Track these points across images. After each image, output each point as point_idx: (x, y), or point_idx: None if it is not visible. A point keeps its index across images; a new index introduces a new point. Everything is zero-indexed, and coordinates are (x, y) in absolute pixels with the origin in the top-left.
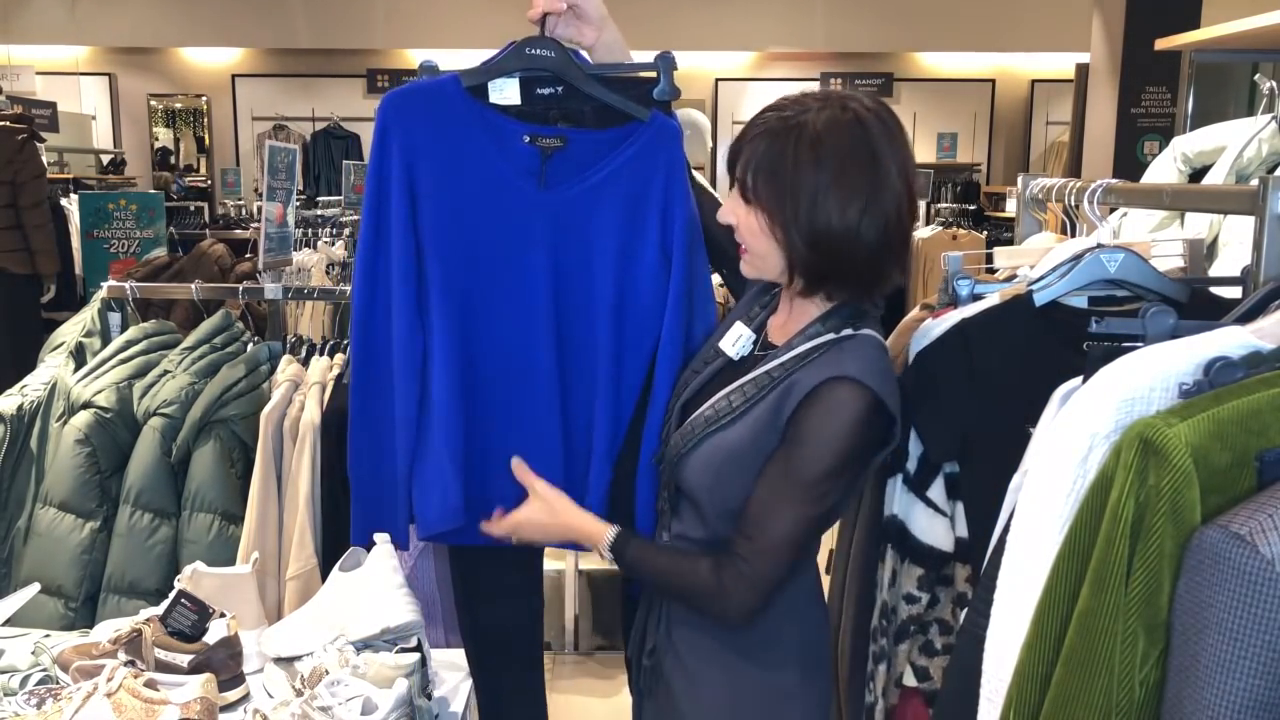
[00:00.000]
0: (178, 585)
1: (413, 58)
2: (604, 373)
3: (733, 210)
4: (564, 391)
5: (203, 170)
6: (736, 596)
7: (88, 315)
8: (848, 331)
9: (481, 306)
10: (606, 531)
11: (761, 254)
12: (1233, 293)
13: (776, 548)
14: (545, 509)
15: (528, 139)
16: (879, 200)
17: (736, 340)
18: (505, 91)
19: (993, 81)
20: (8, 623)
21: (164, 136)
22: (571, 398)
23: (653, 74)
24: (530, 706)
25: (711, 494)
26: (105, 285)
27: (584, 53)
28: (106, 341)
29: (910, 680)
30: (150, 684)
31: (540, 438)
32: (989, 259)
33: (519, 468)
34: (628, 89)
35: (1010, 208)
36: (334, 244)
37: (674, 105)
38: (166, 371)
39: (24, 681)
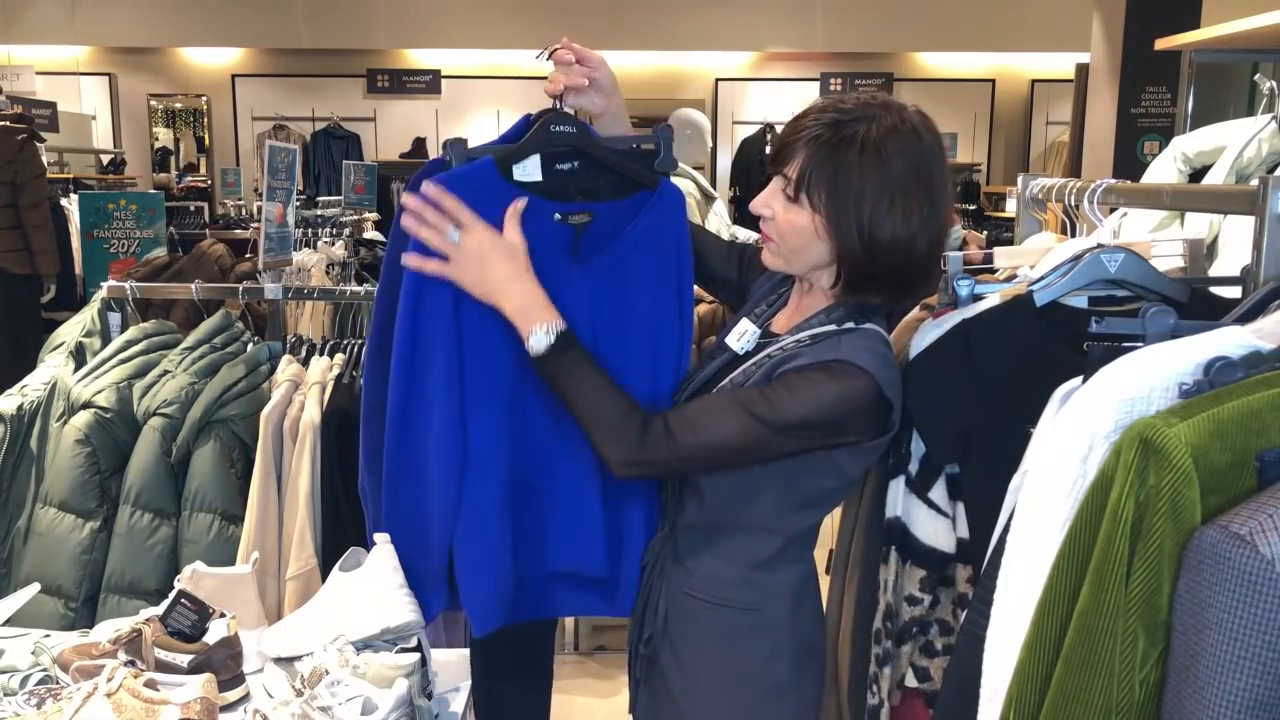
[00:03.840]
0: (178, 585)
1: (413, 58)
2: None
3: (770, 203)
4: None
5: (203, 170)
6: (639, 451)
7: (88, 315)
8: (850, 325)
9: (526, 387)
10: (550, 323)
11: (797, 249)
12: (1233, 293)
13: (704, 444)
14: (497, 253)
15: (558, 217)
16: (936, 212)
17: (742, 335)
18: (528, 170)
19: (993, 81)
20: (8, 623)
21: (164, 136)
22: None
23: (652, 146)
24: (534, 713)
25: (713, 479)
26: (105, 285)
27: (588, 120)
28: (106, 341)
29: (911, 681)
30: (150, 684)
31: (581, 514)
32: (989, 259)
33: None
34: (633, 160)
35: (1010, 208)
36: (334, 244)
37: (673, 106)
38: (166, 371)
39: (24, 681)
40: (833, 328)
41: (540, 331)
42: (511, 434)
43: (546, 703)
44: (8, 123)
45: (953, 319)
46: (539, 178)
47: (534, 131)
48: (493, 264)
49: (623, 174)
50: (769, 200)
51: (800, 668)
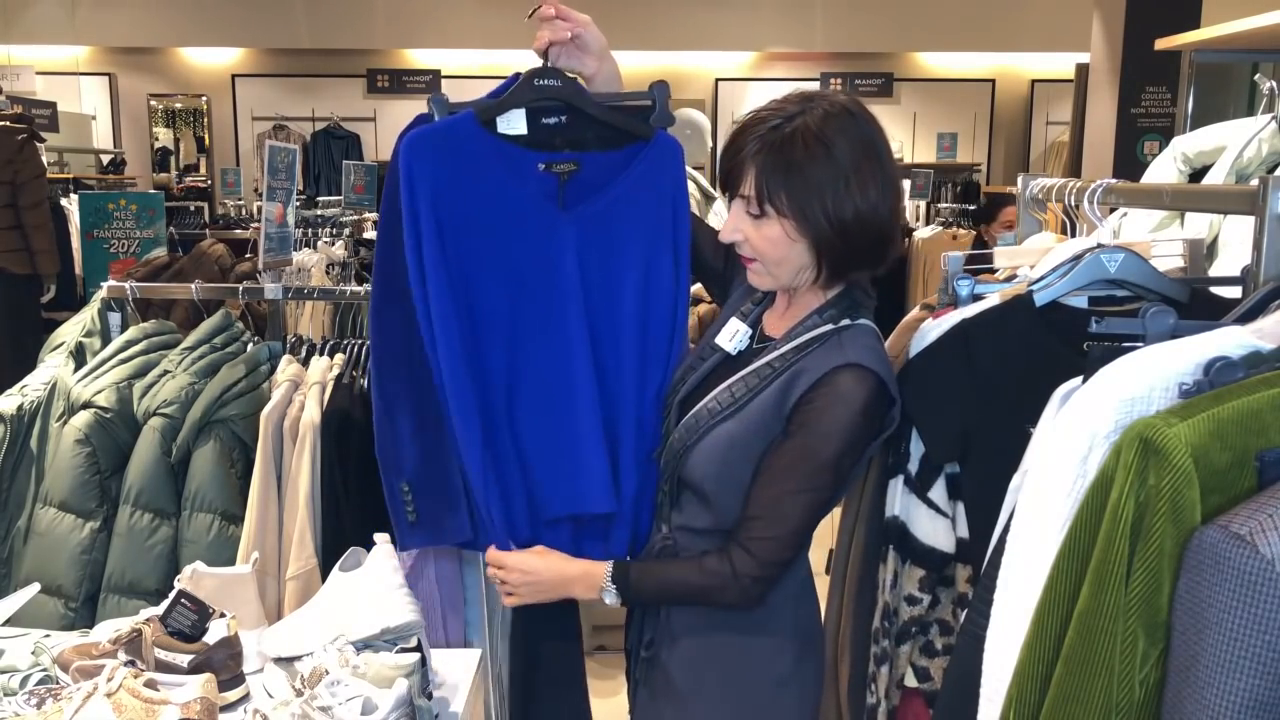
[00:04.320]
0: (178, 585)
1: (413, 58)
2: (630, 377)
3: (737, 228)
4: (604, 401)
5: (203, 170)
6: (750, 582)
7: (88, 315)
8: (845, 322)
9: (520, 329)
10: (604, 566)
11: (779, 260)
12: (1233, 293)
13: (793, 532)
14: (537, 560)
15: (543, 167)
16: (889, 177)
17: (733, 336)
18: (513, 123)
19: (993, 81)
20: (8, 623)
21: (164, 136)
22: (609, 405)
23: (648, 101)
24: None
25: (719, 482)
26: (105, 285)
27: (582, 82)
28: (106, 341)
29: (911, 681)
30: (150, 684)
31: (585, 446)
32: (989, 259)
33: (493, 555)
34: (625, 113)
35: None
36: (334, 244)
37: (673, 106)
38: (166, 371)
39: (24, 681)
40: (830, 327)
41: (606, 579)
42: (511, 356)
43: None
44: (8, 123)
45: (953, 319)
46: (524, 130)
47: (518, 86)
48: (534, 578)
49: (613, 126)
50: (736, 225)
51: (802, 661)
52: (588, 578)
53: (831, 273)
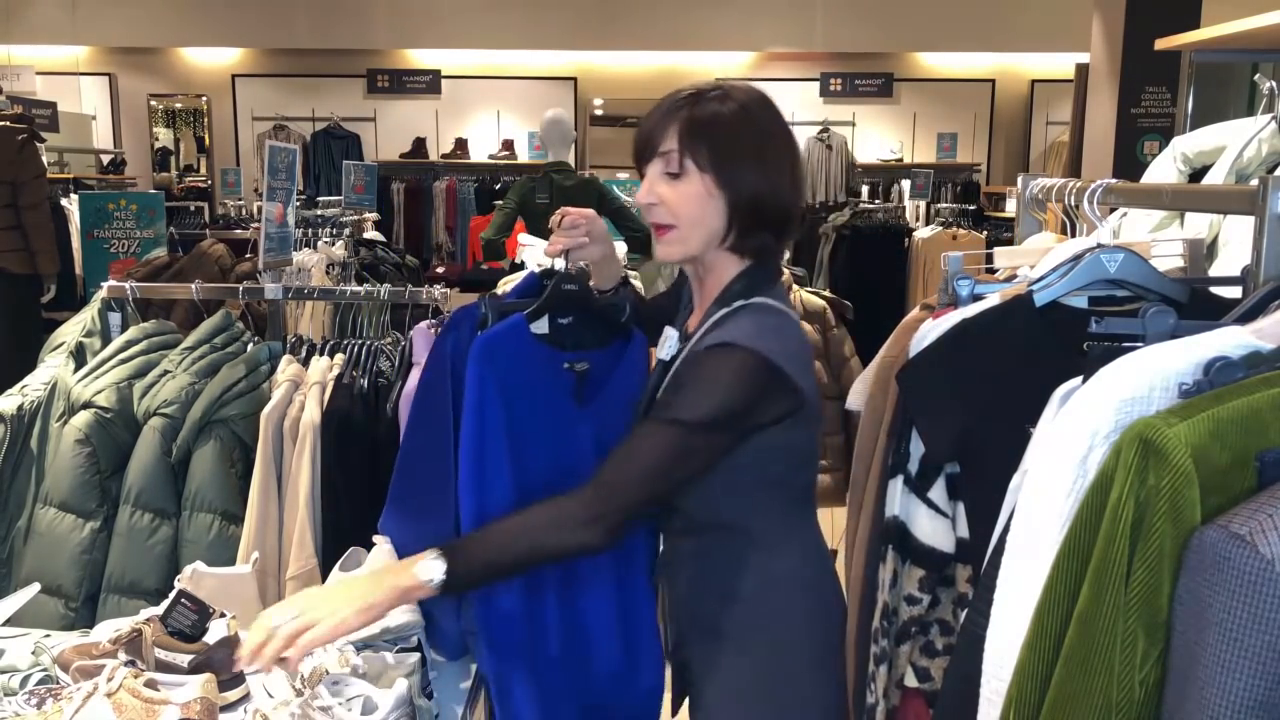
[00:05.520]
0: (178, 585)
1: (413, 58)
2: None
3: (653, 189)
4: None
5: (203, 170)
6: (588, 517)
7: (88, 315)
8: (739, 304)
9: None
10: (422, 556)
11: (694, 220)
12: (1233, 293)
13: (638, 473)
14: (324, 592)
15: (566, 366)
16: (797, 165)
17: (665, 343)
18: (541, 324)
19: (993, 81)
20: (8, 623)
21: (164, 136)
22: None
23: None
24: None
25: (680, 492)
26: (105, 285)
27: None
28: (106, 341)
29: (911, 681)
30: (150, 684)
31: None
32: (989, 259)
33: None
34: (612, 313)
35: (1010, 208)
36: (334, 244)
37: None
38: (167, 371)
39: (24, 681)
40: (724, 311)
41: (432, 567)
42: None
43: None
44: (8, 123)
45: (952, 319)
46: (547, 330)
47: (551, 290)
48: (342, 593)
49: (606, 325)
50: (651, 187)
51: (828, 630)
52: (397, 567)
53: (742, 233)
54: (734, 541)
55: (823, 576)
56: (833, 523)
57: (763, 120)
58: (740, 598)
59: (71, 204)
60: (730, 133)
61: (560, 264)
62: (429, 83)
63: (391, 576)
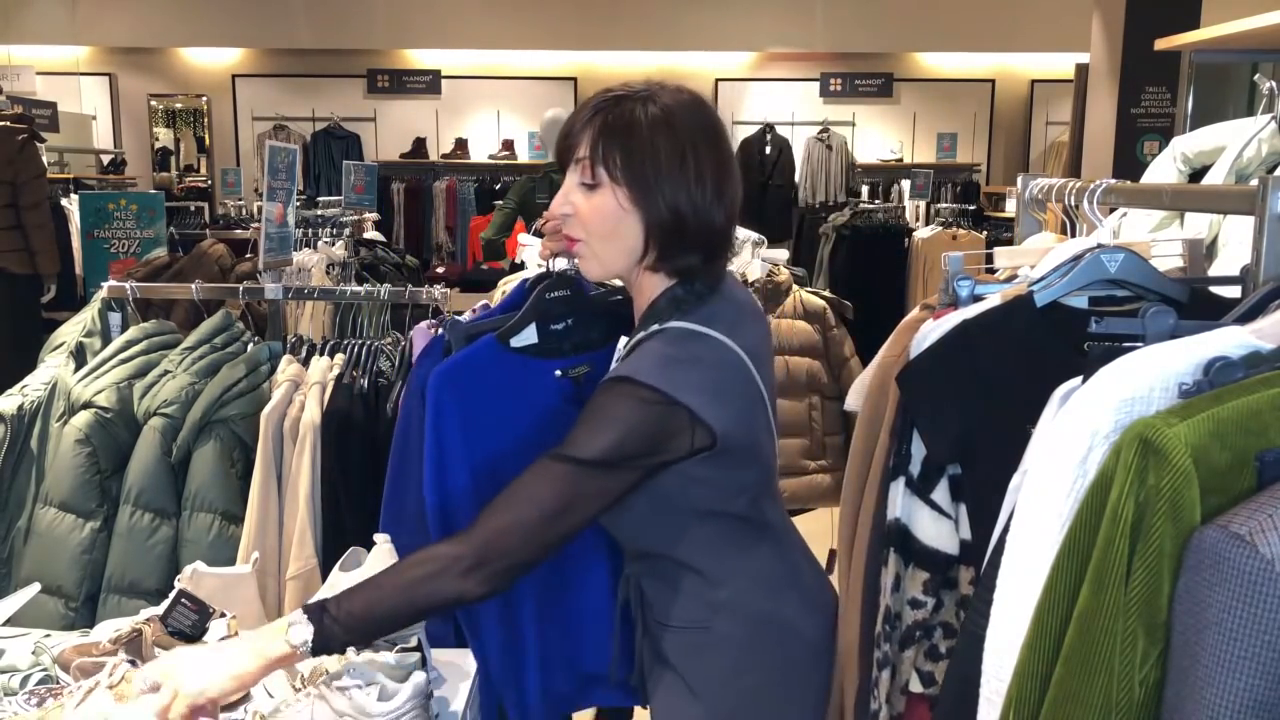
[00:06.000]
0: (178, 585)
1: (413, 58)
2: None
3: (568, 199)
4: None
5: (203, 170)
6: (466, 567)
7: (88, 315)
8: (654, 328)
9: None
10: (292, 618)
11: (606, 235)
12: (1233, 293)
13: (518, 523)
14: (195, 658)
15: (559, 374)
16: (726, 168)
17: (617, 355)
18: (525, 335)
19: (993, 81)
20: (8, 623)
21: (164, 137)
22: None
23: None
24: None
25: (609, 523)
26: (105, 285)
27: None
28: (107, 341)
29: (916, 686)
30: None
31: (603, 620)
32: (989, 259)
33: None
34: (618, 307)
35: (1010, 208)
36: (334, 244)
37: None
38: (167, 371)
39: (24, 681)
40: (640, 335)
41: (298, 629)
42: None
43: None
44: (8, 123)
45: (953, 319)
46: (535, 340)
47: (532, 303)
48: (212, 661)
49: (616, 321)
50: (566, 197)
51: (791, 663)
52: (270, 632)
53: (663, 254)
54: (673, 570)
55: (780, 608)
56: (833, 522)
57: (688, 127)
58: (682, 627)
59: (71, 204)
60: (648, 142)
61: (562, 264)
62: (429, 83)
63: (263, 642)
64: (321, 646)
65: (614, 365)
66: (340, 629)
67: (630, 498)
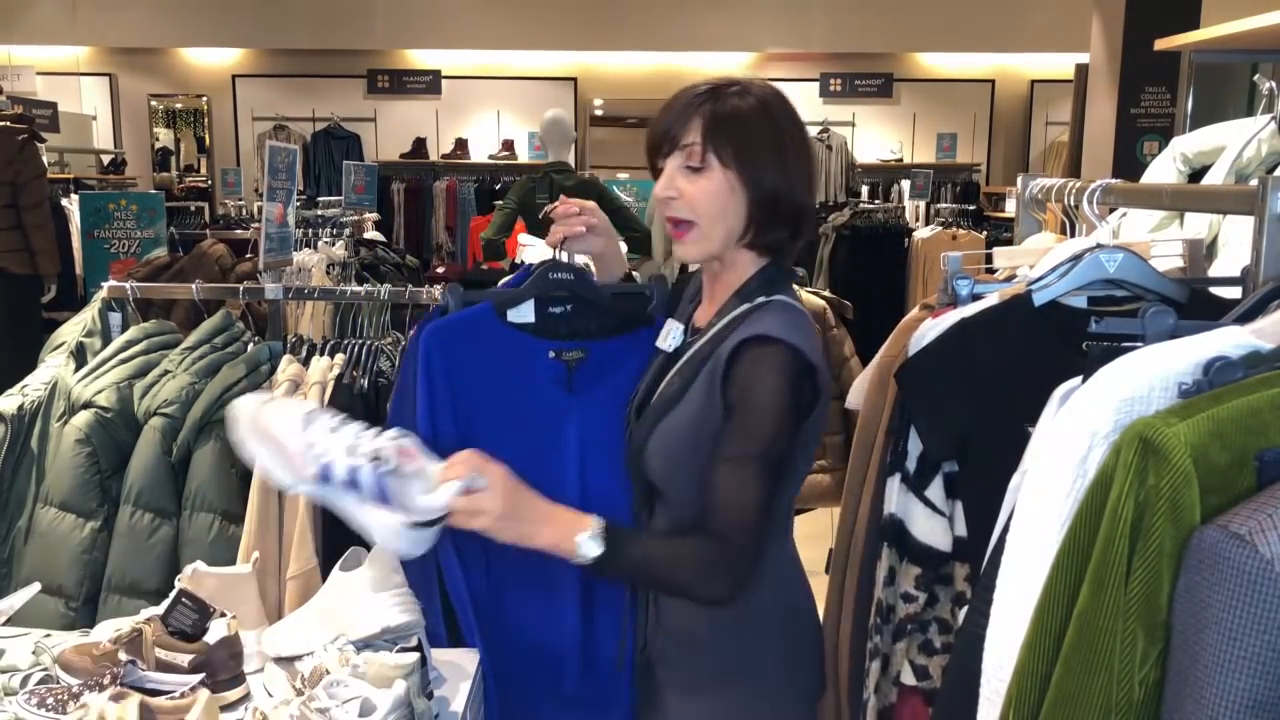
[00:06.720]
0: (178, 585)
1: (413, 58)
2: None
3: (673, 184)
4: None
5: (203, 170)
6: (728, 568)
7: (88, 315)
8: (761, 299)
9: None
10: (589, 520)
11: (715, 216)
12: (1233, 293)
13: (756, 515)
14: (505, 496)
15: (552, 354)
16: (812, 158)
17: (667, 335)
18: (523, 312)
19: (993, 82)
20: (8, 622)
21: (164, 137)
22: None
23: (646, 291)
24: None
25: (670, 479)
26: (105, 285)
27: (587, 259)
28: (107, 341)
29: (909, 679)
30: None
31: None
32: (988, 259)
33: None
34: (628, 301)
35: (1010, 208)
36: (334, 244)
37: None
38: (167, 371)
39: (24, 681)
40: (746, 307)
41: (589, 536)
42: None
43: None
44: (8, 123)
45: (952, 318)
46: (532, 319)
47: (534, 278)
48: (501, 519)
49: (616, 315)
50: (670, 182)
51: (794, 642)
52: (566, 521)
53: (761, 230)
54: None
55: (799, 598)
56: (832, 522)
57: (781, 117)
58: (721, 620)
59: (72, 204)
60: (753, 128)
61: (563, 257)
62: (429, 83)
63: (560, 531)
64: (594, 569)
65: (670, 338)
66: (612, 567)
67: (714, 459)
